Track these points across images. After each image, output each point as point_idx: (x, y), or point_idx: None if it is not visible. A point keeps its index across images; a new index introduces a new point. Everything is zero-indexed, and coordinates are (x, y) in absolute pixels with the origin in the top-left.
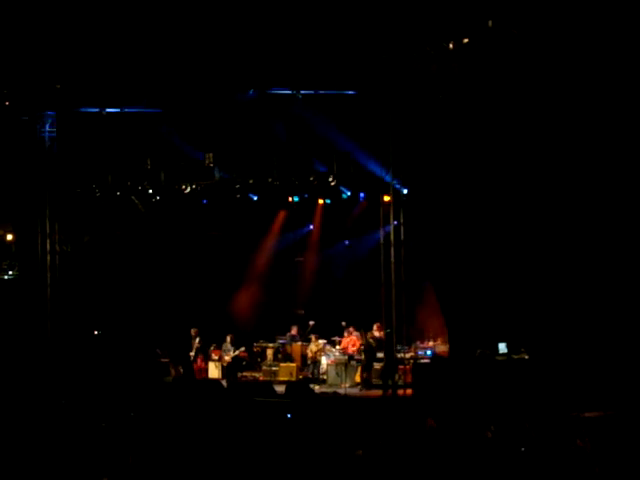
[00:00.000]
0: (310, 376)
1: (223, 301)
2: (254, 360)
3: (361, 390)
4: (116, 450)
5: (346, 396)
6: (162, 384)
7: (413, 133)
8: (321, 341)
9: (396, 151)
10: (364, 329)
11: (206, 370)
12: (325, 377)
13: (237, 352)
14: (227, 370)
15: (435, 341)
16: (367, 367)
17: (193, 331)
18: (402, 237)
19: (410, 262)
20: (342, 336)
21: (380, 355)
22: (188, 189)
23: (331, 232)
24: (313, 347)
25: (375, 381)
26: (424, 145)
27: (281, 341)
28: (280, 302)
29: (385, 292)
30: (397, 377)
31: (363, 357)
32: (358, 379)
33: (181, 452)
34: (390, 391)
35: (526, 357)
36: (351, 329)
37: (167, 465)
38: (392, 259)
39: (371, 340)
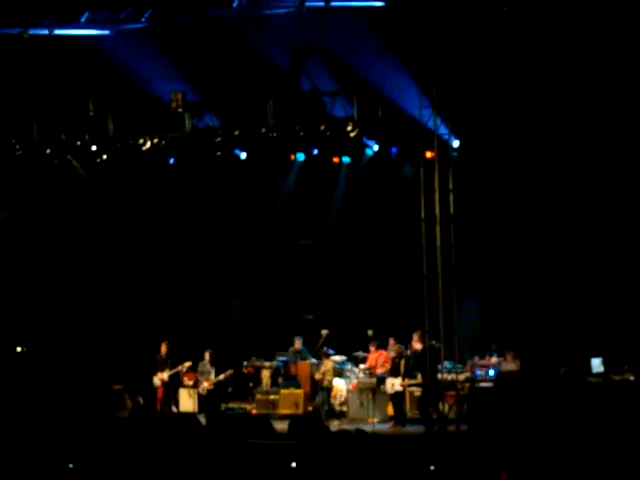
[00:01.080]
0: (325, 407)
1: (200, 303)
2: (244, 386)
3: (395, 427)
4: None
5: (375, 435)
6: (113, 420)
7: (468, 59)
8: (338, 358)
9: (442, 85)
10: (398, 339)
11: (176, 400)
12: (345, 409)
13: (221, 375)
14: (206, 400)
15: (500, 356)
16: (429, 395)
17: (163, 345)
18: (452, 209)
19: (463, 245)
20: (367, 351)
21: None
22: (148, 144)
23: (351, 204)
24: (327, 367)
25: (411, 414)
26: (483, 76)
27: (282, 359)
28: (281, 304)
29: (428, 288)
30: (446, 407)
31: (417, 382)
32: (391, 411)
33: None
34: (436, 427)
35: (631, 378)
36: (391, 341)
37: None
38: (438, 241)
39: (430, 345)
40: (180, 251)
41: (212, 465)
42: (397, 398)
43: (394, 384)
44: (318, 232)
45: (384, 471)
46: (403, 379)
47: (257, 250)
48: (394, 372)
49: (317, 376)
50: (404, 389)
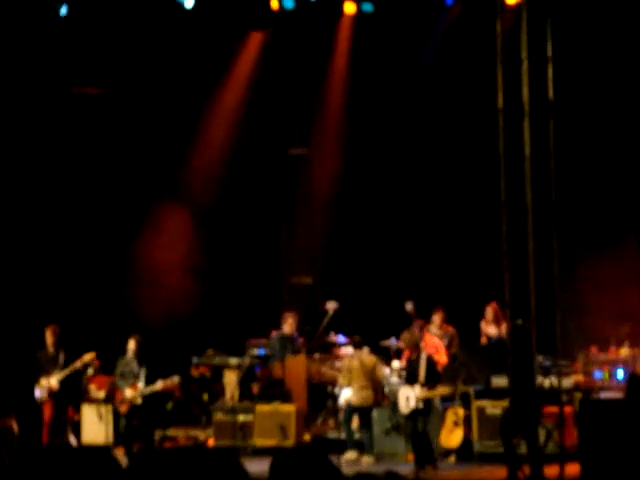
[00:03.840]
0: (333, 430)
1: (118, 265)
2: (195, 400)
3: (456, 465)
4: None
5: None
6: None
7: None
8: (353, 351)
9: None
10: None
11: (75, 425)
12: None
13: (158, 383)
14: (129, 424)
15: (633, 347)
16: (515, 415)
17: (49, 333)
18: (551, 93)
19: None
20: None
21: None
22: None
23: (371, 86)
24: (353, 362)
25: (480, 445)
26: None
27: (259, 352)
28: (255, 263)
29: (508, 229)
30: (542, 434)
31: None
32: (450, 440)
33: None
34: (527, 470)
35: None
36: (436, 318)
37: None
38: (527, 149)
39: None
40: (85, 172)
41: None
42: (414, 422)
43: (409, 397)
44: (316, 135)
45: None
46: (423, 386)
47: (214, 169)
48: (411, 374)
49: (341, 379)
50: (428, 403)
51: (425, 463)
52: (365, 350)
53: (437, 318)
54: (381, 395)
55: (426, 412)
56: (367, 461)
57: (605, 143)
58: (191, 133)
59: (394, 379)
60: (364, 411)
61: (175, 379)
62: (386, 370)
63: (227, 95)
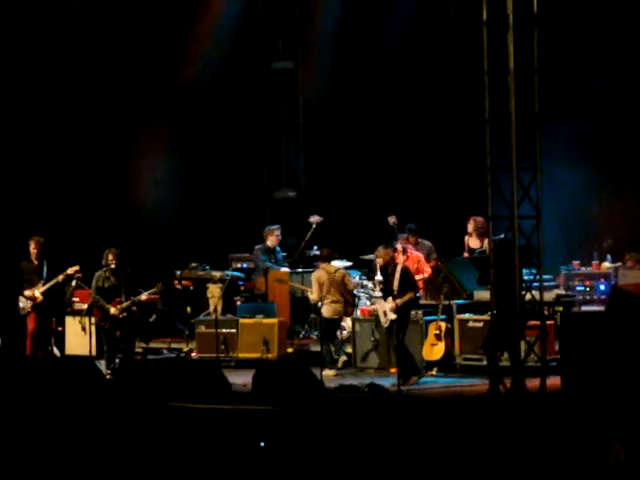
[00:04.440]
0: (313, 347)
1: (102, 179)
2: (178, 312)
3: (438, 377)
4: None
5: (401, 394)
6: None
7: None
8: (338, 263)
9: None
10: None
11: (59, 336)
12: (349, 350)
13: (141, 294)
14: (110, 336)
15: (618, 260)
16: (497, 327)
17: (33, 244)
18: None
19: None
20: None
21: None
22: None
23: None
24: (321, 276)
25: (461, 359)
26: None
27: (241, 266)
28: (240, 178)
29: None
30: (523, 347)
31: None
32: (432, 353)
33: None
34: (508, 383)
35: None
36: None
37: None
38: (511, 67)
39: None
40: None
41: (119, 446)
42: (392, 334)
43: (386, 311)
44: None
45: (417, 456)
46: (396, 296)
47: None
48: (386, 288)
49: (311, 294)
50: (403, 314)
51: (410, 374)
52: (334, 263)
53: (406, 235)
54: (351, 307)
55: (402, 323)
56: (329, 373)
57: (589, 53)
58: (177, 48)
59: (377, 293)
60: (332, 322)
61: (156, 287)
62: (367, 283)
63: (209, 5)
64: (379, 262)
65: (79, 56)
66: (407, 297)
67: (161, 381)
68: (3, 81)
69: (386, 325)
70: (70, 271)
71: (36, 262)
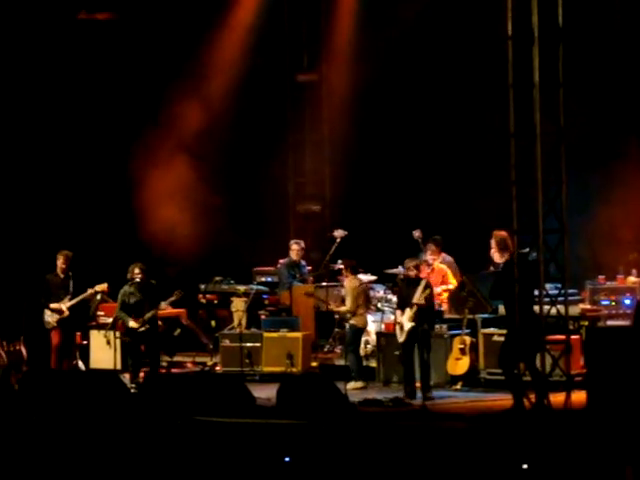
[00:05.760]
0: (337, 361)
1: (127, 194)
2: (202, 326)
3: (462, 389)
4: None
5: (425, 410)
6: None
7: None
8: (364, 277)
9: None
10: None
11: (84, 350)
12: (374, 364)
13: (161, 304)
14: (135, 350)
15: None
16: (517, 343)
17: (61, 258)
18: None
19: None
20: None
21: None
22: None
23: None
24: (356, 286)
25: (490, 373)
26: None
27: (266, 279)
28: (264, 191)
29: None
30: (547, 363)
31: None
32: (457, 367)
33: None
34: (532, 397)
35: None
36: (432, 246)
37: None
38: (536, 80)
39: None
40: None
41: (143, 460)
42: (407, 349)
43: (403, 323)
44: None
45: (440, 471)
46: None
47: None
48: (402, 299)
49: (344, 307)
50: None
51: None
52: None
53: (431, 247)
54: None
55: (423, 339)
56: (354, 386)
57: (614, 69)
58: (199, 58)
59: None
60: (361, 333)
61: (177, 293)
62: (391, 297)
63: (235, 19)
64: (411, 274)
65: (111, 78)
66: (417, 302)
67: (185, 395)
68: (29, 93)
69: (401, 340)
70: (99, 288)
71: (62, 276)
